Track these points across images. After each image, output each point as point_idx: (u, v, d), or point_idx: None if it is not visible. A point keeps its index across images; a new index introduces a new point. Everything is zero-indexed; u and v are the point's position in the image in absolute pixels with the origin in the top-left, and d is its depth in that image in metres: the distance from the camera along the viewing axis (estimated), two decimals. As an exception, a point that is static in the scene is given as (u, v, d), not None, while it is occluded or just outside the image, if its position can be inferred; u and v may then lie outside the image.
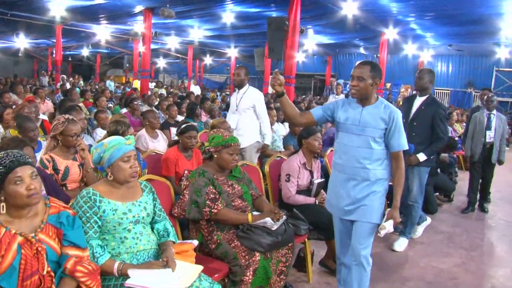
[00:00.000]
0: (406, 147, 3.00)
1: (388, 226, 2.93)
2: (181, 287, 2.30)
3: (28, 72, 29.41)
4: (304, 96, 18.31)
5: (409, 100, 4.94)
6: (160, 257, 2.51)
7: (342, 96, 11.81)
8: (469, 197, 6.62)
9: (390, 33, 14.74)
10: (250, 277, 2.93)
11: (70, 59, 28.77)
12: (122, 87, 19.22)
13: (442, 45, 18.53)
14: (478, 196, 6.62)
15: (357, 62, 3.08)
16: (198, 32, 17.02)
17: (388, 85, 20.66)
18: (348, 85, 21.45)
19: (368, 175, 2.98)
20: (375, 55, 17.46)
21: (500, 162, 6.44)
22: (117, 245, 2.42)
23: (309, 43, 18.92)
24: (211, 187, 3.10)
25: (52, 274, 2.05)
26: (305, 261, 3.87)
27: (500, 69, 20.32)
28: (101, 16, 15.03)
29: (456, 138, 8.92)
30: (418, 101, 4.76)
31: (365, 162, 2.97)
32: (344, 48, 21.95)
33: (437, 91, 21.38)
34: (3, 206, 1.99)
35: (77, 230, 2.20)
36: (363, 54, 22.83)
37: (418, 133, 4.65)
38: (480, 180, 6.58)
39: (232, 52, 23.79)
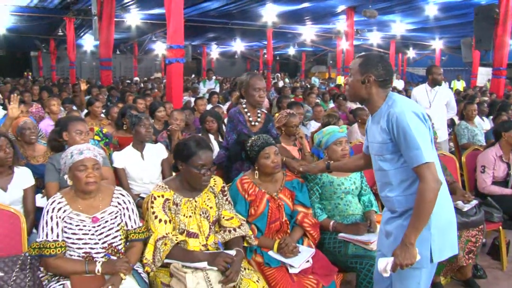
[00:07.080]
0: (424, 159, 2.05)
1: (383, 264, 2.13)
2: None
3: (242, 71, 33.14)
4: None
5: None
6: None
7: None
8: None
9: None
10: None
11: (277, 58, 31.46)
12: (326, 83, 20.35)
13: None
14: None
15: None
16: (400, 26, 17.05)
17: None
18: None
19: (393, 205, 2.26)
20: None
21: None
22: (332, 209, 3.18)
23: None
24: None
25: (288, 222, 2.91)
26: (500, 249, 4.03)
27: None
28: (306, 17, 16.32)
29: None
30: None
31: (385, 188, 2.29)
32: None
33: None
34: (256, 173, 2.91)
35: (304, 193, 3.02)
36: None
37: None
38: None
39: (437, 44, 22.89)
